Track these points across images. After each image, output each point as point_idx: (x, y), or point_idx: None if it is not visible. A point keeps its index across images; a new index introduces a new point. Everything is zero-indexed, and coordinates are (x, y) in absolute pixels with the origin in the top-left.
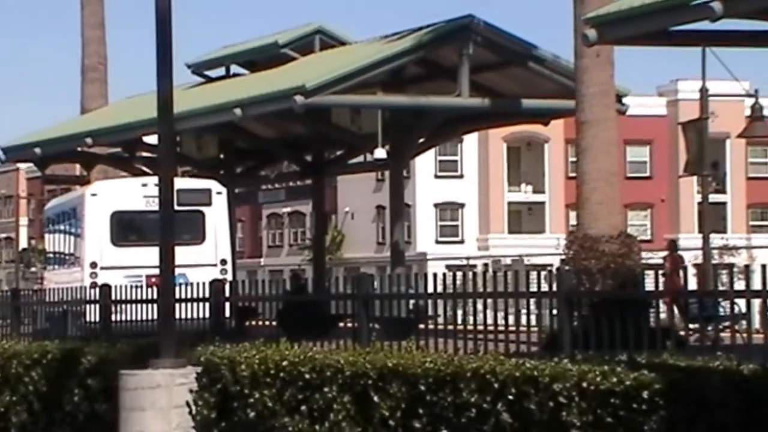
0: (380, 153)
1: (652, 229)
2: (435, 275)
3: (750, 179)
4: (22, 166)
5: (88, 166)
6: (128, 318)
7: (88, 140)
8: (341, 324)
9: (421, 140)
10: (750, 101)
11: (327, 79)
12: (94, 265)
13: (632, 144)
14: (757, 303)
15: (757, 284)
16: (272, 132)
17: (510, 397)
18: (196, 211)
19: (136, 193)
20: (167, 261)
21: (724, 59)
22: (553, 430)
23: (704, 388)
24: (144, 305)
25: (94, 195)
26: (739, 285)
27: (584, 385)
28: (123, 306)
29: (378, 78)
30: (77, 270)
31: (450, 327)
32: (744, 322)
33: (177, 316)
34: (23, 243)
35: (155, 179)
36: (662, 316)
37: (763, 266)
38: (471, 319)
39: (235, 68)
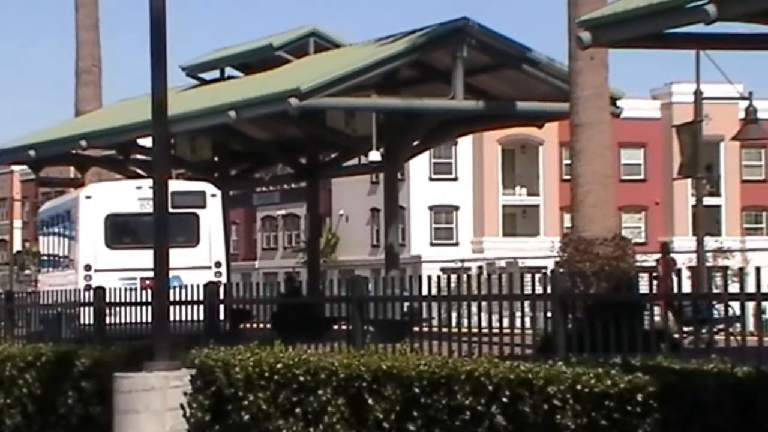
0: (374, 155)
1: (646, 231)
2: (429, 278)
3: (744, 182)
4: (16, 168)
5: (82, 168)
6: (122, 320)
7: (83, 143)
8: (336, 326)
9: (416, 143)
10: (744, 104)
11: (321, 81)
12: (88, 267)
13: (626, 147)
14: (751, 306)
15: (751, 287)
16: (267, 134)
17: (504, 399)
18: (190, 213)
19: (131, 195)
20: (161, 263)
21: (719, 62)
22: None
23: (698, 390)
24: (138, 308)
25: (88, 197)
26: (733, 288)
27: (578, 387)
28: (117, 308)
29: (372, 80)
30: (71, 272)
31: (444, 329)
32: (738, 325)
33: (171, 318)
34: (17, 245)
35: (150, 182)
36: (657, 318)
37: (757, 269)
38: (465, 321)
39: (229, 71)
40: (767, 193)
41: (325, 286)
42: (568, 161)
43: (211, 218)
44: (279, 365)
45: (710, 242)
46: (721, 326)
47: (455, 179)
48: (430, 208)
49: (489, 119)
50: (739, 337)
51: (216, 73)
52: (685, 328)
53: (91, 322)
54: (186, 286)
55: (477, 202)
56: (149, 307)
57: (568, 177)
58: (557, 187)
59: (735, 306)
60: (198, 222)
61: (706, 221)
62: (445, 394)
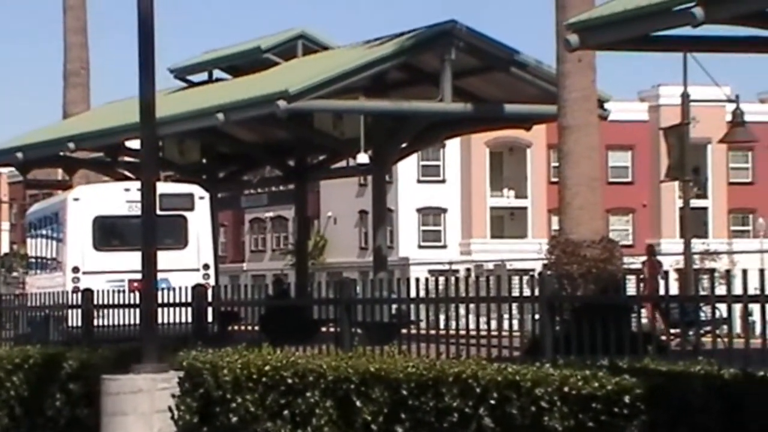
0: (363, 158)
1: (633, 234)
2: (417, 280)
3: (731, 184)
4: (3, 170)
5: (70, 170)
6: (110, 323)
7: (71, 145)
8: (324, 329)
9: (404, 145)
10: (731, 106)
11: (309, 84)
12: (76, 269)
13: (614, 149)
14: (737, 308)
15: (738, 289)
16: (255, 137)
17: (492, 401)
18: (178, 215)
19: (119, 197)
20: (149, 266)
21: (706, 65)
22: None
23: (685, 392)
24: (126, 310)
25: (76, 199)
26: (720, 290)
27: (566, 389)
28: (105, 311)
29: (360, 83)
30: (59, 275)
31: (432, 332)
32: (725, 327)
33: (159, 320)
34: (5, 248)
35: (138, 184)
36: (644, 321)
37: (744, 271)
38: (453, 323)
39: (217, 73)
40: (754, 195)
41: (313, 288)
42: (556, 164)
43: (199, 220)
44: (267, 367)
45: (697, 244)
46: (708, 328)
47: (443, 181)
48: (418, 210)
49: (477, 122)
50: (725, 339)
51: (204, 76)
52: (672, 330)
53: (79, 324)
54: (174, 289)
55: (465, 204)
56: (137, 310)
57: (555, 179)
58: (545, 190)
59: (722, 308)
60: (186, 224)
61: (693, 223)
62: (433, 396)
